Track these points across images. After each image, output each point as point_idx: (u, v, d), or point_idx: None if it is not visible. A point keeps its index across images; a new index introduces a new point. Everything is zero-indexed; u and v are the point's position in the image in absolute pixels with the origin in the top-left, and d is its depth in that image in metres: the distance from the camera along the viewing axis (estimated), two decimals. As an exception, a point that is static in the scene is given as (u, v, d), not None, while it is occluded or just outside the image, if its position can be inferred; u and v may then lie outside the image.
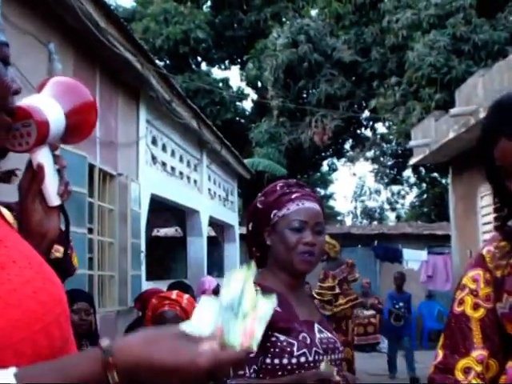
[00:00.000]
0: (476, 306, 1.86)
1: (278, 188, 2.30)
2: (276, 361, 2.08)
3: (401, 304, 11.75)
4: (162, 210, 12.15)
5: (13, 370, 0.97)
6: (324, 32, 20.71)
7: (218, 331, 1.08)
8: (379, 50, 20.11)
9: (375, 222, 31.28)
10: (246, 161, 16.83)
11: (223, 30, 24.13)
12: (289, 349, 2.08)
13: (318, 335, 2.18)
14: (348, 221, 34.01)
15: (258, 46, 22.34)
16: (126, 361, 1.00)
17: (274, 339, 2.08)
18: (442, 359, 1.87)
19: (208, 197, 13.16)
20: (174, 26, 22.29)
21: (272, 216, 2.24)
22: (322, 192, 32.22)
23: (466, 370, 1.81)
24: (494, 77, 9.08)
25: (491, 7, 18.40)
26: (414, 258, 14.03)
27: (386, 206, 34.16)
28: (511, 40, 17.50)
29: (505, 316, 1.80)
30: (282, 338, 2.08)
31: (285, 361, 2.07)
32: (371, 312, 14.55)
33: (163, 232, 17.44)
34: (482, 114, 8.94)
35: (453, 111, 9.60)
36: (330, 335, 2.24)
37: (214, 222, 14.42)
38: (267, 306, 1.16)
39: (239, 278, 1.18)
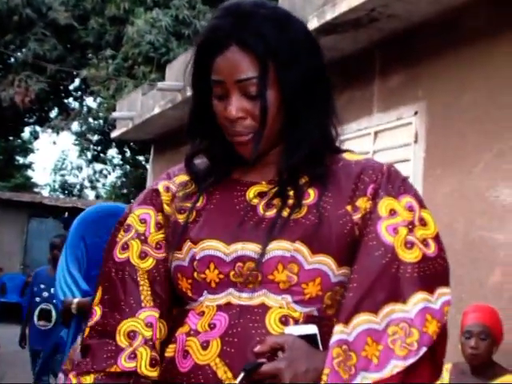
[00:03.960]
0: (144, 255, 1.50)
1: None
2: None
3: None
4: None
5: None
6: (42, -12, 19.43)
7: None
8: (98, 20, 19.29)
9: (74, 198, 30.35)
10: None
11: None
12: None
13: None
14: (45, 193, 32.63)
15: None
16: None
17: None
18: (100, 319, 1.48)
19: None
20: None
21: None
22: (21, 161, 30.61)
23: (131, 335, 1.45)
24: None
25: (216, -4, 18.55)
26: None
27: (87, 184, 33.39)
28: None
29: (181, 270, 1.45)
30: None
31: None
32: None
33: None
34: (190, 92, 8.61)
35: (160, 84, 9.18)
36: None
37: None
38: None
39: None
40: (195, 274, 1.42)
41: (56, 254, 6.53)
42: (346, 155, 1.51)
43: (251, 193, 1.46)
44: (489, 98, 4.95)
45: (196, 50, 1.46)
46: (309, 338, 1.34)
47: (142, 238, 1.51)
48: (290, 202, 1.41)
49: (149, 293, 1.48)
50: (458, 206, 4.97)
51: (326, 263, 1.38)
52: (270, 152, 1.47)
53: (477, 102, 5.05)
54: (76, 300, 4.58)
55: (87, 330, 1.50)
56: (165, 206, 1.54)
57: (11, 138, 25.92)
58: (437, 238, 1.41)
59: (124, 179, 27.25)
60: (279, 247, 1.37)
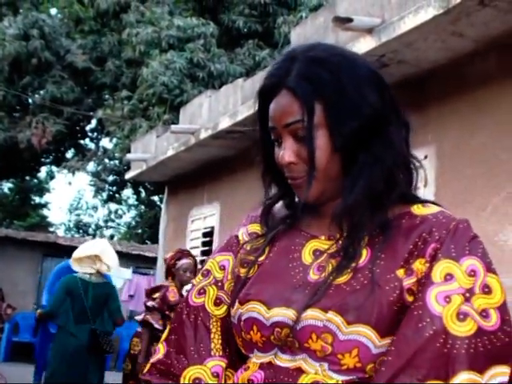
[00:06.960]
0: (219, 302, 1.46)
1: None
2: None
3: None
4: None
5: None
6: (60, 32, 19.73)
7: None
8: (115, 62, 19.58)
9: (88, 238, 30.42)
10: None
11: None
12: None
13: None
14: (60, 233, 32.75)
15: (-15, 33, 20.74)
16: None
17: None
18: (163, 358, 1.44)
19: None
20: None
21: None
22: (37, 200, 30.77)
23: (196, 382, 1.40)
24: (220, 99, 8.89)
25: (231, 41, 18.75)
26: (118, 276, 13.55)
27: (102, 224, 33.49)
28: (246, 76, 17.88)
29: (233, 327, 1.41)
30: None
31: None
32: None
33: None
34: (204, 135, 8.70)
35: (174, 127, 9.25)
36: None
37: None
38: None
39: None
40: (243, 334, 1.38)
41: None
42: (414, 209, 1.36)
43: (307, 250, 1.39)
44: (497, 141, 4.99)
45: (257, 99, 1.42)
46: None
47: (219, 284, 1.47)
48: (342, 263, 1.32)
49: (219, 341, 1.44)
50: (468, 249, 4.98)
51: (364, 334, 1.25)
52: (333, 201, 1.38)
53: (486, 145, 5.09)
54: (38, 311, 7.25)
55: (149, 365, 1.46)
56: (239, 254, 1.49)
57: (27, 177, 26.09)
58: (501, 309, 1.22)
59: (139, 219, 27.32)
60: (312, 316, 1.29)
